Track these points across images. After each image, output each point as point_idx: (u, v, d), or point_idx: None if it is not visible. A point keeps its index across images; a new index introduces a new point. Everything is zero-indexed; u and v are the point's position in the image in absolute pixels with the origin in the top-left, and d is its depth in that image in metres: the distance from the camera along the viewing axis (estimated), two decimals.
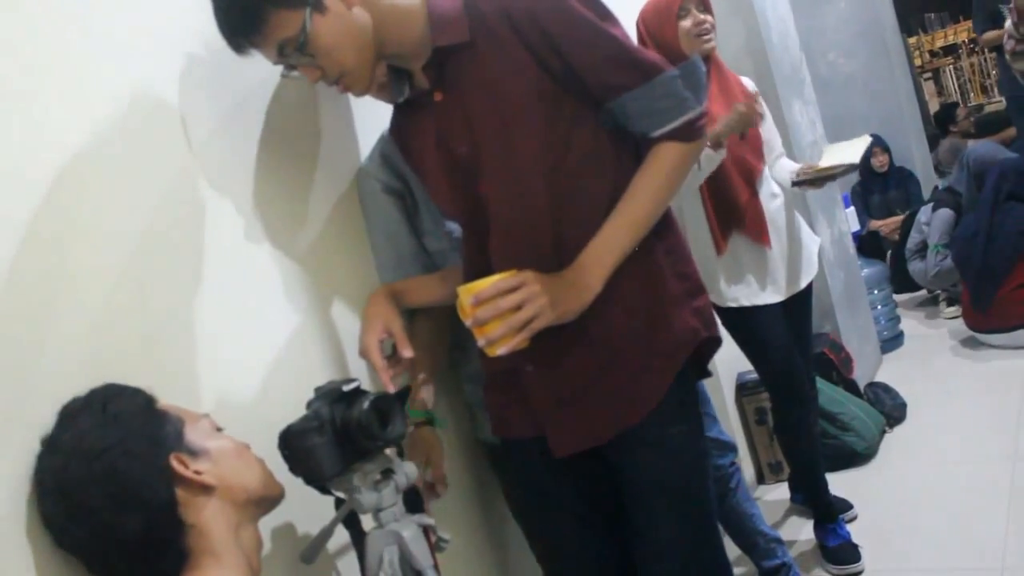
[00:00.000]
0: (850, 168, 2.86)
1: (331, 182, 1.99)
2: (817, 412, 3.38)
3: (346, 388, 1.52)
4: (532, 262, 1.59)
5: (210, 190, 1.66)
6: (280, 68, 1.61)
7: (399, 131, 1.84)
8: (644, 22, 2.88)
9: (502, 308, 1.50)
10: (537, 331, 1.53)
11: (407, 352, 1.74)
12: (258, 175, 1.79)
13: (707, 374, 1.89)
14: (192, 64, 1.68)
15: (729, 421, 3.77)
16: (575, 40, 1.58)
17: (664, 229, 1.73)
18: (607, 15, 1.63)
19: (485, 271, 1.59)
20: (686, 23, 2.78)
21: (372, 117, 2.06)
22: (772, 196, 3.00)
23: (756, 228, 2.93)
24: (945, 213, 5.36)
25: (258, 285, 1.74)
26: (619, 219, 1.62)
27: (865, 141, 2.92)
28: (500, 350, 1.51)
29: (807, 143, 4.41)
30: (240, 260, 1.70)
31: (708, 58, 2.84)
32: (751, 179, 2.93)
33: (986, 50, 12.30)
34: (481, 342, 1.52)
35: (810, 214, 4.23)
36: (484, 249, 1.70)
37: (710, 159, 2.68)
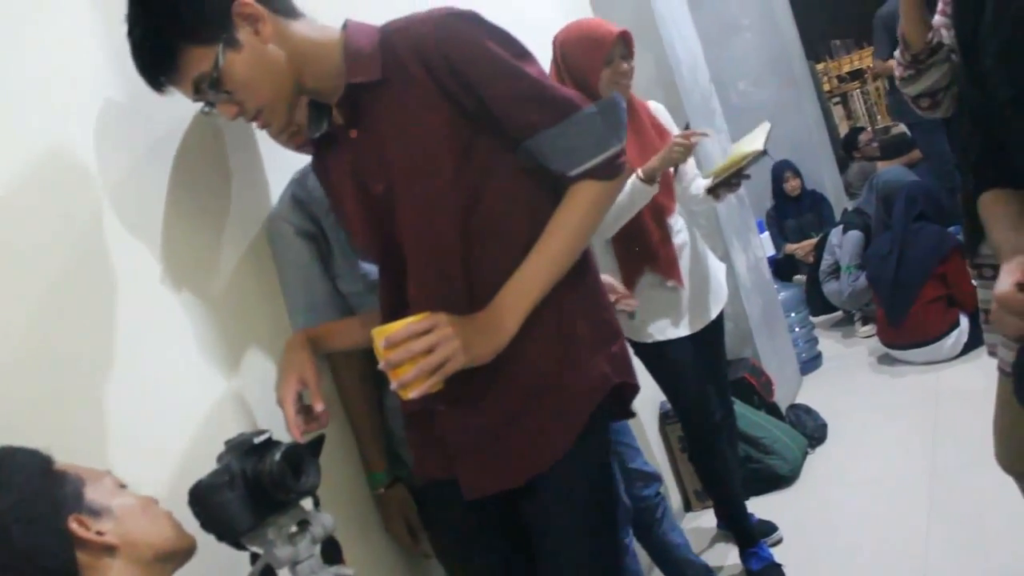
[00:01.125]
0: (756, 156, 2.86)
1: (243, 227, 1.97)
2: (735, 439, 3.42)
3: (257, 440, 1.49)
4: (447, 303, 1.58)
5: (120, 237, 1.64)
6: (199, 107, 1.61)
7: (320, 167, 1.82)
8: (563, 50, 2.86)
9: (414, 351, 1.48)
10: (450, 374, 1.52)
11: (319, 406, 1.72)
12: (169, 221, 1.77)
13: (629, 415, 1.87)
14: (103, 109, 1.67)
15: (652, 450, 3.79)
16: (488, 79, 1.57)
17: (580, 272, 1.71)
18: (522, 53, 1.63)
19: (402, 313, 1.58)
20: (608, 71, 2.79)
21: (283, 161, 2.05)
22: (680, 233, 3.05)
23: (668, 267, 2.96)
24: (855, 235, 5.50)
25: (169, 334, 1.71)
26: (535, 260, 1.61)
27: (765, 128, 2.93)
28: (413, 393, 1.49)
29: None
30: (150, 308, 1.68)
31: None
32: (662, 219, 2.97)
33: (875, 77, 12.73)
34: (394, 385, 1.51)
35: (725, 241, 4.30)
36: (401, 290, 1.69)
37: (643, 193, 2.71)
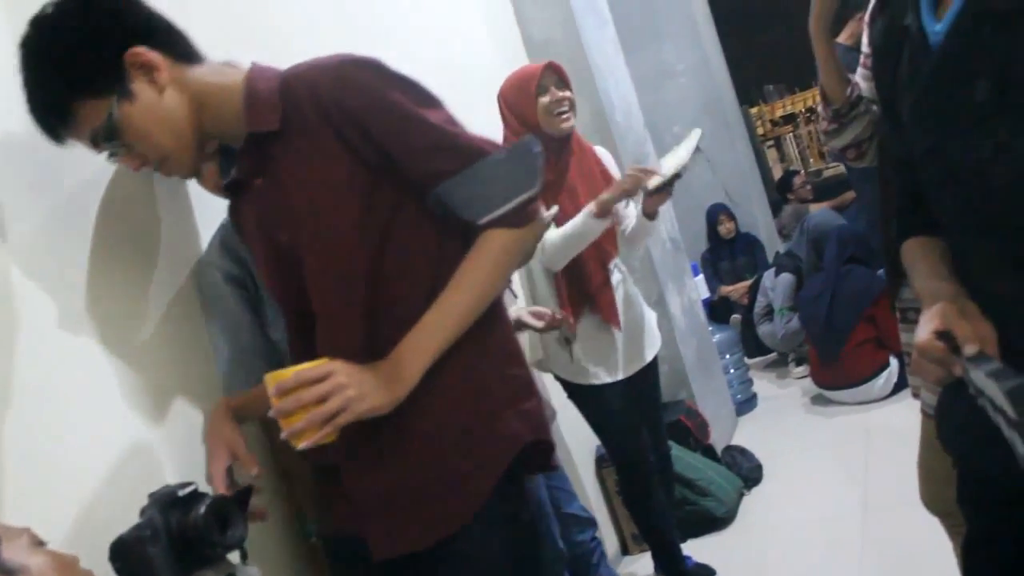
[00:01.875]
0: (685, 164, 2.81)
1: (171, 273, 1.94)
2: (671, 483, 3.44)
3: (182, 492, 1.46)
4: (352, 352, 1.52)
5: (36, 290, 1.61)
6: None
7: (235, 214, 1.76)
8: (504, 98, 2.92)
9: (304, 400, 1.42)
10: (343, 425, 1.45)
11: (254, 470, 1.65)
12: (93, 271, 1.74)
13: (548, 468, 1.79)
14: (15, 160, 1.64)
15: (588, 495, 3.79)
16: (388, 127, 1.52)
17: (490, 324, 1.64)
18: (425, 100, 1.58)
19: (311, 358, 1.51)
20: (544, 99, 2.82)
21: (214, 207, 2.01)
22: (619, 278, 3.09)
23: (608, 310, 2.99)
24: (787, 277, 5.60)
25: (91, 383, 1.67)
26: (440, 310, 1.54)
27: (695, 135, 2.91)
28: (303, 443, 1.43)
29: None
30: (70, 361, 1.64)
31: (569, 136, 2.91)
32: (605, 263, 3.01)
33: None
34: (284, 434, 1.44)
35: (660, 284, 4.35)
36: (309, 339, 1.62)
37: (595, 227, 2.74)
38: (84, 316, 1.70)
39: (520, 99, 2.85)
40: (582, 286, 2.95)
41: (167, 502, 1.45)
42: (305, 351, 1.60)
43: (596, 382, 3.00)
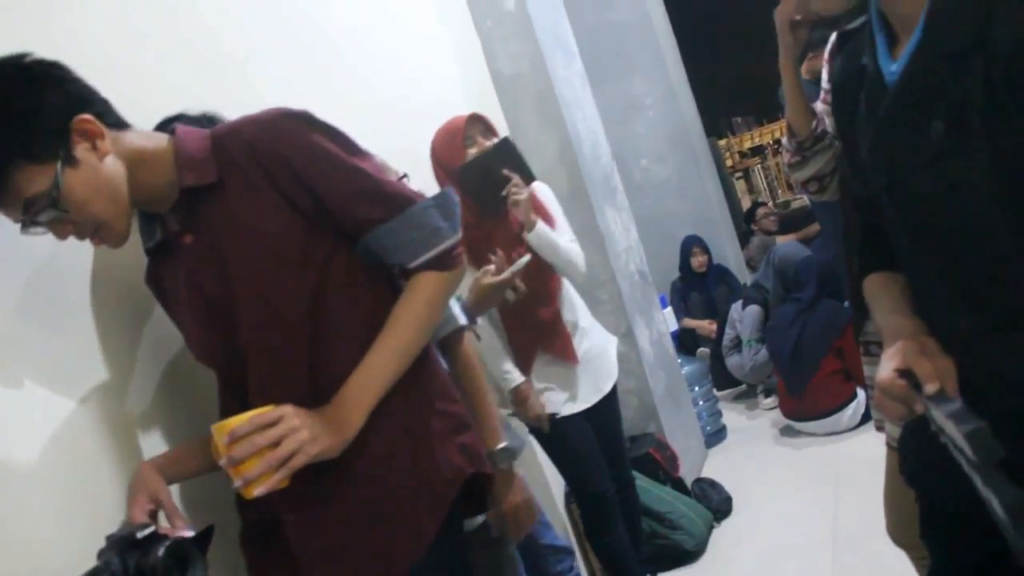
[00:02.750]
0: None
1: (136, 309, 1.91)
2: (636, 515, 3.42)
3: (141, 534, 1.42)
4: (290, 402, 1.52)
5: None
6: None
7: (153, 278, 1.77)
8: (435, 155, 2.95)
9: (259, 445, 1.43)
10: (297, 469, 1.46)
11: (180, 522, 1.60)
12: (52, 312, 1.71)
13: (484, 508, 1.84)
14: None
15: (562, 527, 3.77)
16: (322, 176, 1.57)
17: (424, 363, 1.69)
18: (356, 150, 1.63)
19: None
20: (472, 151, 2.86)
21: None
22: (572, 310, 3.10)
23: (562, 347, 3.01)
24: (754, 309, 5.63)
25: (47, 419, 1.62)
26: (379, 352, 1.59)
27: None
28: (258, 490, 1.43)
29: (621, 249, 4.56)
30: (30, 388, 1.60)
31: None
32: (552, 297, 3.03)
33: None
34: (237, 483, 1.44)
35: (628, 317, 4.36)
36: (241, 397, 1.63)
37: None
38: (42, 369, 1.66)
39: (448, 150, 2.89)
40: (532, 325, 2.98)
41: (125, 544, 1.42)
42: (237, 407, 1.59)
43: (555, 415, 3.02)
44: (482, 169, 2.82)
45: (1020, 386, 1.20)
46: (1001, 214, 1.13)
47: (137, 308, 1.89)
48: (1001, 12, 1.08)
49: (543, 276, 2.99)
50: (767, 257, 5.67)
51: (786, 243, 6.15)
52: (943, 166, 1.18)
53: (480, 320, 2.84)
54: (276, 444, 1.44)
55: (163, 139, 1.64)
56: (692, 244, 7.04)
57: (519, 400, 2.93)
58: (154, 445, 1.84)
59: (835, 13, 1.32)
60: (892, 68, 1.28)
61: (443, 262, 1.66)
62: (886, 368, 1.27)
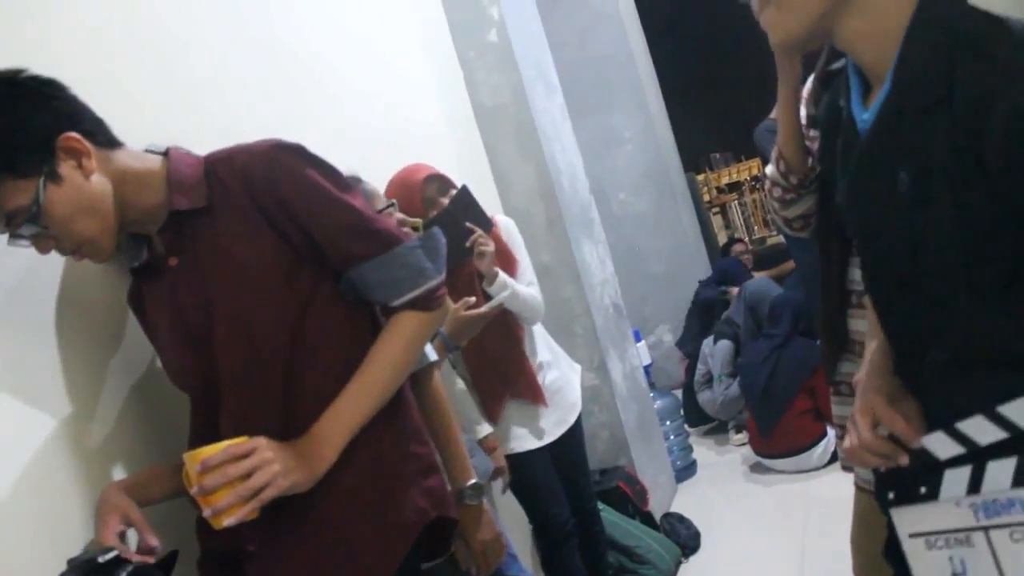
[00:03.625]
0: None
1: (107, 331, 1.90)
2: (597, 544, 3.41)
3: (103, 558, 1.41)
4: (264, 433, 1.52)
5: None
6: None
7: (135, 298, 1.77)
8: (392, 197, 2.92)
9: (231, 476, 1.43)
10: (267, 501, 1.46)
11: (153, 540, 1.59)
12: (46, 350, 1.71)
13: (446, 552, 1.83)
14: None
15: (528, 561, 3.76)
16: (313, 209, 1.59)
17: (397, 403, 1.69)
18: (346, 185, 1.65)
19: (214, 443, 1.51)
20: (431, 212, 2.87)
21: None
22: (534, 350, 3.11)
23: (531, 391, 3.03)
24: (725, 344, 5.66)
25: (8, 439, 1.60)
26: (355, 389, 1.59)
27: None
28: (227, 521, 1.42)
29: (597, 282, 4.58)
30: None
31: None
32: (517, 341, 3.04)
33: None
34: (207, 512, 1.43)
35: (601, 349, 4.37)
36: (213, 424, 1.63)
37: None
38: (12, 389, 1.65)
39: (408, 206, 2.85)
40: (498, 372, 2.99)
41: (87, 568, 1.41)
42: (209, 435, 1.60)
43: (520, 450, 3.03)
44: (446, 222, 2.84)
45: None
46: (960, 268, 1.16)
47: (107, 330, 1.89)
48: (961, 71, 1.11)
49: (507, 321, 3.00)
50: (739, 292, 5.70)
51: (758, 279, 6.18)
52: (909, 218, 1.20)
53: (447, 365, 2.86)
54: (248, 476, 1.44)
55: (156, 160, 1.66)
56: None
57: (486, 450, 2.95)
58: (123, 470, 1.83)
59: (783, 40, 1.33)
60: (864, 116, 1.30)
61: (425, 303, 1.67)
62: (864, 428, 1.30)
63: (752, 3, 1.35)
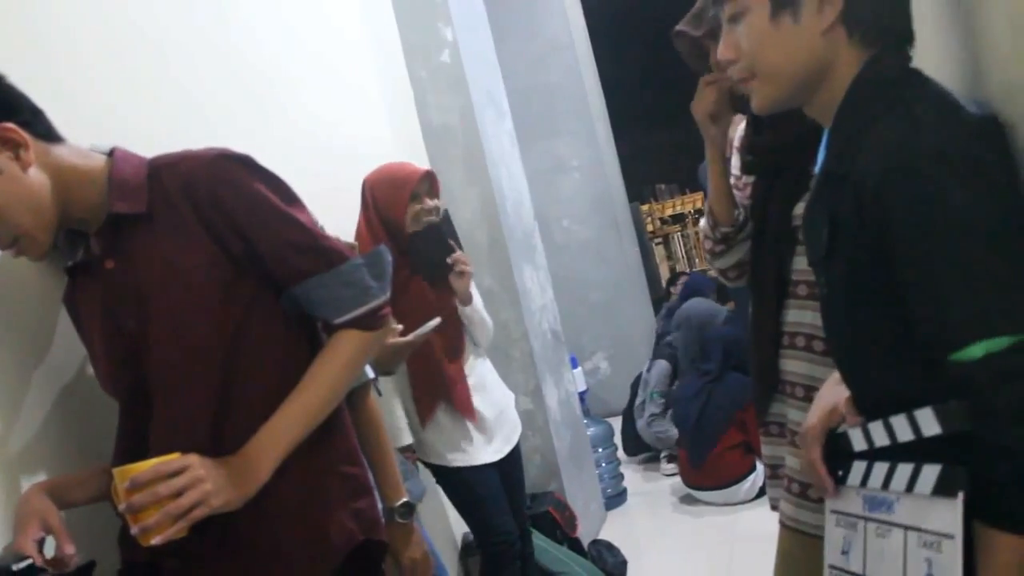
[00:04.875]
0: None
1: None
2: (532, 570, 3.42)
3: (17, 566, 1.39)
4: (193, 445, 1.50)
5: None
6: None
7: (70, 297, 1.73)
8: (373, 190, 2.97)
9: (161, 495, 1.40)
10: (197, 520, 1.43)
11: (70, 549, 1.54)
12: None
13: (374, 574, 1.80)
14: None
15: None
16: (257, 223, 1.57)
17: (331, 423, 1.66)
18: (292, 199, 1.63)
19: (142, 452, 1.51)
20: (416, 207, 2.92)
21: None
22: (474, 370, 3.13)
23: (462, 405, 3.04)
24: (662, 364, 5.72)
25: None
26: (292, 407, 1.57)
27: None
28: (156, 540, 1.40)
29: (536, 307, 4.60)
30: None
31: None
32: (460, 352, 3.07)
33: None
34: (135, 530, 1.41)
35: (538, 375, 4.38)
36: (141, 434, 1.60)
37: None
38: None
39: (392, 198, 2.93)
40: (434, 379, 3.00)
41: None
42: (136, 446, 1.58)
43: (463, 464, 3.04)
44: (435, 238, 2.91)
45: None
46: (847, 322, 1.31)
47: (36, 330, 1.85)
48: (863, 145, 1.21)
49: (456, 333, 3.04)
50: (676, 315, 5.74)
51: (698, 301, 6.24)
52: (825, 270, 1.33)
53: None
54: (178, 494, 1.41)
55: (99, 159, 1.62)
56: None
57: (410, 458, 2.96)
58: (45, 475, 1.79)
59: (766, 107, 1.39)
60: (819, 160, 1.39)
61: (368, 322, 1.65)
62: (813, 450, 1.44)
63: (730, 71, 1.41)
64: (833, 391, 1.46)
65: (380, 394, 2.82)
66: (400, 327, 2.51)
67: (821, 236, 1.29)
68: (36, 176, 1.52)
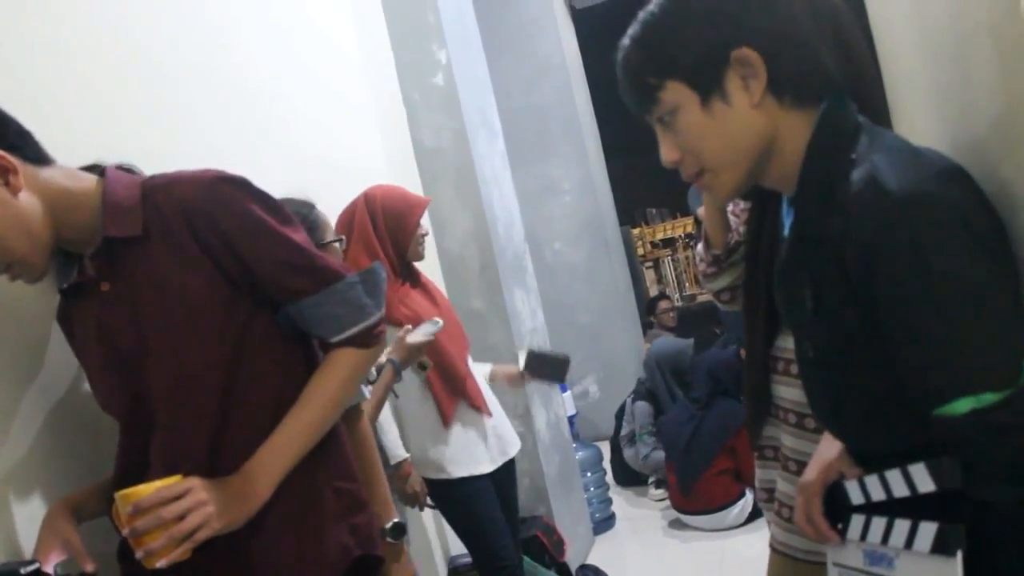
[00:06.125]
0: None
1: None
2: None
3: (24, 570, 1.39)
4: (195, 464, 1.52)
5: None
6: None
7: (64, 317, 1.74)
8: (384, 210, 3.02)
9: (164, 519, 1.41)
10: (201, 542, 1.44)
11: (89, 567, 1.56)
12: None
13: None
14: None
15: None
16: (253, 244, 1.58)
17: (328, 440, 1.68)
18: (288, 220, 1.64)
19: (143, 471, 1.52)
20: (420, 231, 3.04)
21: None
22: (476, 371, 3.22)
23: (476, 397, 3.11)
24: (642, 405, 5.72)
25: None
26: (291, 425, 1.58)
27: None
28: (160, 563, 1.41)
29: (527, 330, 4.59)
30: None
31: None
32: (463, 355, 3.14)
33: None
34: (139, 554, 1.42)
35: (527, 397, 4.37)
36: (142, 451, 1.61)
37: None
38: None
39: (403, 221, 3.02)
40: (452, 376, 3.05)
41: None
42: (137, 463, 1.59)
43: (466, 474, 3.05)
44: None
45: None
46: (838, 381, 1.32)
47: (29, 350, 1.84)
48: (834, 206, 1.20)
49: (459, 333, 3.18)
50: (645, 361, 5.77)
51: (660, 339, 6.27)
52: (812, 332, 1.33)
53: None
54: (181, 517, 1.42)
55: (91, 180, 1.62)
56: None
57: (401, 475, 2.96)
58: (40, 494, 1.78)
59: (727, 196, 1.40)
60: (788, 221, 1.39)
61: (364, 339, 1.67)
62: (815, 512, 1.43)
63: (681, 172, 1.39)
64: (831, 444, 1.45)
65: (397, 396, 2.95)
66: (409, 326, 2.68)
67: (804, 299, 1.28)
68: (27, 200, 1.52)
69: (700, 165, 1.33)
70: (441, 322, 2.76)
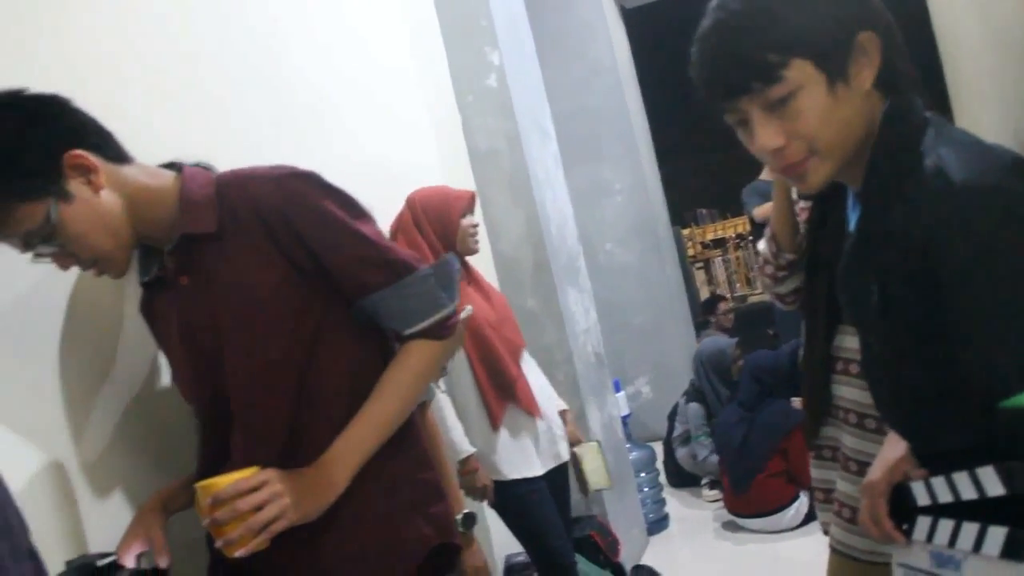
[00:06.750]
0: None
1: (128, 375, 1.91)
2: None
3: (100, 563, 1.44)
4: (273, 456, 1.55)
5: None
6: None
7: (147, 311, 1.79)
8: (425, 209, 3.03)
9: (241, 510, 1.45)
10: (278, 532, 1.48)
11: (163, 562, 1.61)
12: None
13: (454, 571, 1.84)
14: None
15: None
16: (325, 240, 1.60)
17: (404, 431, 1.69)
18: (361, 214, 1.66)
19: (223, 466, 1.55)
20: (466, 221, 3.03)
21: None
22: (531, 370, 3.22)
23: (527, 399, 3.09)
24: (695, 407, 5.72)
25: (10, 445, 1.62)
26: (366, 417, 1.60)
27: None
28: (239, 552, 1.45)
29: (580, 330, 4.59)
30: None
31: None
32: (516, 355, 3.13)
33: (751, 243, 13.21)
34: (219, 543, 1.46)
35: (581, 398, 4.37)
36: (224, 443, 1.65)
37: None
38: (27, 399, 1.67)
39: (445, 216, 3.03)
40: (502, 378, 3.04)
41: (85, 572, 1.43)
42: (219, 454, 1.64)
43: (517, 476, 3.05)
44: None
45: None
46: (905, 376, 1.30)
47: (107, 344, 1.89)
48: (901, 199, 1.21)
49: (515, 337, 3.15)
50: (694, 359, 5.74)
51: (707, 339, 6.23)
52: (879, 326, 1.31)
53: (456, 363, 2.99)
54: (258, 508, 1.46)
55: (169, 177, 1.67)
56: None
57: (468, 470, 2.95)
58: (120, 487, 1.84)
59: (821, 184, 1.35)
60: (854, 216, 1.39)
61: (438, 331, 1.68)
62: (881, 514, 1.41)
63: (776, 161, 1.32)
64: (896, 444, 1.44)
65: (443, 389, 2.90)
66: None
67: (870, 294, 1.28)
68: (109, 198, 1.57)
69: (807, 151, 1.26)
70: (471, 307, 2.73)
